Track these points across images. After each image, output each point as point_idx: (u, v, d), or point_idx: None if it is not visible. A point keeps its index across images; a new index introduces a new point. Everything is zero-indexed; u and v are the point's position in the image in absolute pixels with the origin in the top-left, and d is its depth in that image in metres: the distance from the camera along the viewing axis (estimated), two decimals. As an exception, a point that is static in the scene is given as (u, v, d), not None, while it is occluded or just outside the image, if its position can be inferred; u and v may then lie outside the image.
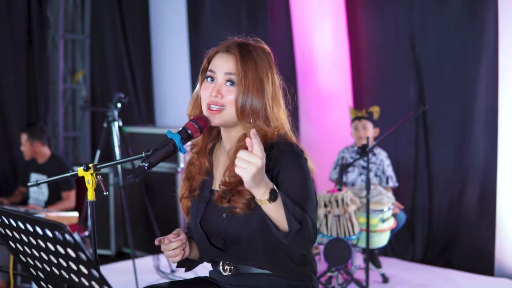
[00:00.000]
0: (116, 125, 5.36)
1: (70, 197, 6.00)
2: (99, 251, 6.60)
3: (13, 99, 7.46)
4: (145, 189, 5.75)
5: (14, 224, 1.92)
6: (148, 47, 7.81)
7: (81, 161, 8.03)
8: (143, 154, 2.22)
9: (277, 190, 2.06)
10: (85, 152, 8.42)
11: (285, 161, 2.21)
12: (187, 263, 2.53)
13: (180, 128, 2.26)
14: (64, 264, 1.83)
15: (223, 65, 2.28)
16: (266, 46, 2.37)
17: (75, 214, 5.47)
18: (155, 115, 7.88)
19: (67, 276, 1.88)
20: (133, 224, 5.89)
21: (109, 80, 8.04)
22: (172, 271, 5.51)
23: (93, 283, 1.77)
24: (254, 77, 2.25)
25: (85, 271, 1.76)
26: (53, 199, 6.02)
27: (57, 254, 1.82)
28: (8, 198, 6.21)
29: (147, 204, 5.58)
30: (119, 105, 5.32)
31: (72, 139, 8.47)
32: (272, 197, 2.04)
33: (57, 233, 1.72)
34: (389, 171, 5.39)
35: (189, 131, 2.25)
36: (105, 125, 5.39)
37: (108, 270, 5.76)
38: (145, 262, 5.77)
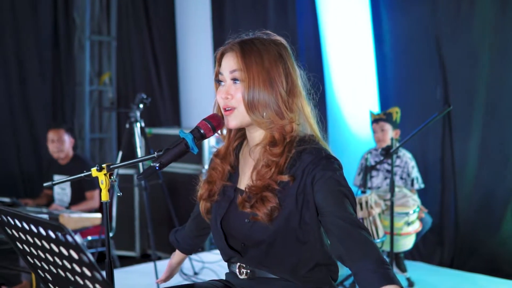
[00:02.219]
0: (138, 126, 5.34)
1: (94, 197, 5.99)
2: (124, 253, 6.60)
3: (40, 101, 7.51)
4: (169, 190, 5.73)
5: (19, 225, 1.88)
6: (173, 48, 7.80)
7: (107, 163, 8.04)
8: (155, 154, 2.18)
9: None
10: (111, 153, 8.45)
11: (321, 183, 2.13)
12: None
13: (193, 128, 2.22)
14: (69, 266, 1.79)
15: (227, 64, 2.22)
16: (278, 38, 2.29)
17: (98, 215, 5.45)
18: (180, 116, 7.86)
19: (72, 279, 1.83)
20: (157, 226, 5.87)
21: (135, 82, 8.05)
22: (195, 274, 5.48)
23: (97, 285, 1.72)
24: (259, 69, 2.17)
25: (88, 273, 1.72)
26: (77, 200, 6.02)
27: (61, 255, 1.78)
28: (34, 200, 6.22)
29: (170, 205, 5.55)
30: (141, 106, 5.30)
31: (98, 141, 8.50)
32: None
33: (59, 234, 1.68)
34: (414, 173, 5.29)
35: (202, 131, 2.20)
36: (127, 126, 5.37)
37: (131, 272, 5.74)
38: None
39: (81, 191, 6.06)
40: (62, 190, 6.10)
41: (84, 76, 8.06)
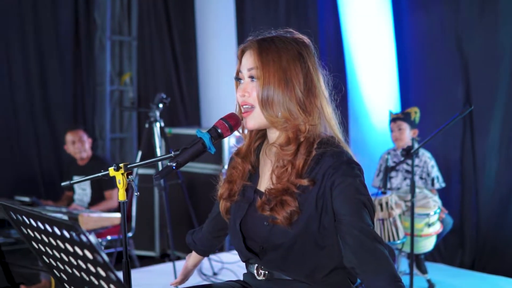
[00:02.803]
0: (157, 126, 5.34)
1: (113, 196, 6.01)
2: (144, 253, 6.59)
3: (60, 101, 7.55)
4: (188, 190, 5.71)
5: (35, 224, 1.87)
6: (194, 47, 7.81)
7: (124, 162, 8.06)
8: (172, 153, 2.16)
9: None
10: (131, 153, 8.46)
11: (340, 189, 2.10)
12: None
13: (210, 127, 2.20)
14: (83, 266, 1.78)
15: (246, 62, 2.21)
16: (301, 36, 2.26)
17: (117, 215, 5.45)
18: (201, 116, 7.85)
19: (87, 279, 1.82)
20: (176, 226, 5.86)
21: (156, 82, 8.06)
22: (214, 274, 5.46)
23: (112, 286, 1.71)
24: (276, 68, 2.14)
25: (103, 273, 1.70)
26: (96, 200, 6.03)
27: (75, 255, 1.77)
28: (56, 203, 6.23)
29: (189, 205, 5.54)
30: (161, 105, 5.30)
31: (119, 140, 8.52)
32: None
33: (73, 234, 1.67)
34: (434, 172, 5.23)
35: (219, 130, 2.18)
36: (146, 126, 5.37)
37: (150, 272, 5.74)
38: (188, 264, 5.72)
39: (101, 191, 6.07)
40: (82, 190, 6.12)
41: (104, 76, 8.08)
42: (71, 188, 6.25)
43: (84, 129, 6.30)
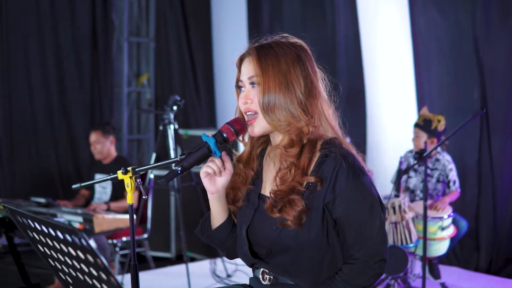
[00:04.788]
0: (171, 128, 5.36)
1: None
2: (159, 254, 6.61)
3: (78, 102, 7.58)
4: (203, 191, 5.72)
5: (39, 228, 1.90)
6: (210, 49, 7.82)
7: (144, 164, 8.07)
8: (178, 157, 2.17)
9: None
10: (149, 154, 8.49)
11: (345, 194, 2.14)
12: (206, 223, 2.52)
13: (216, 132, 2.22)
14: (86, 269, 1.80)
15: (245, 70, 2.24)
16: (297, 40, 2.29)
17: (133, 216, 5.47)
18: (217, 118, 7.87)
19: (90, 282, 1.84)
20: (191, 228, 5.85)
21: (173, 83, 8.08)
22: (228, 276, 5.47)
23: (113, 290, 1.73)
24: (275, 72, 2.17)
25: (104, 277, 1.73)
26: (116, 199, 6.04)
27: (78, 259, 1.79)
28: (71, 201, 6.24)
29: (204, 207, 5.55)
30: (175, 108, 5.31)
31: (136, 142, 8.55)
32: None
33: (75, 238, 1.69)
34: (451, 176, 5.17)
35: (225, 135, 2.21)
36: (161, 128, 5.39)
37: (164, 273, 5.77)
38: (202, 266, 5.75)
39: (122, 191, 6.08)
40: (103, 189, 6.14)
41: (122, 78, 8.11)
42: (89, 186, 6.25)
43: (105, 130, 6.17)
